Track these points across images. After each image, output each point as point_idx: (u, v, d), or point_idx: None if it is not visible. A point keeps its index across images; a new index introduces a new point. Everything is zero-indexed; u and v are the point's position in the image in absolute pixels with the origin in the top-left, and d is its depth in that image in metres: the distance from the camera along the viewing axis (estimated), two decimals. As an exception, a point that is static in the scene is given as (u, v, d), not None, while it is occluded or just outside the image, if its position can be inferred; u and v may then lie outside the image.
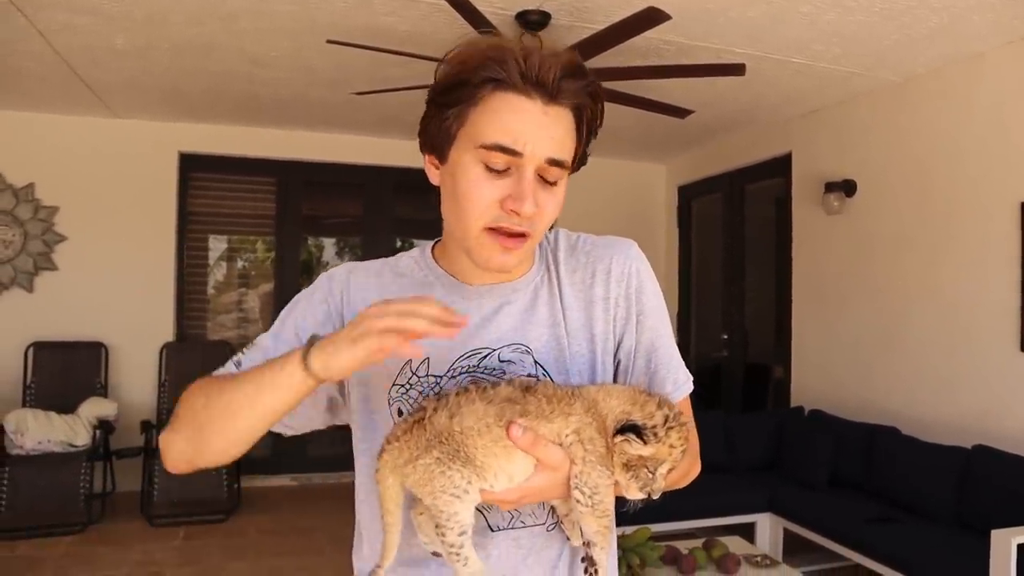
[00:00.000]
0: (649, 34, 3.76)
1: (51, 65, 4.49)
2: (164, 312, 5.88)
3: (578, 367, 1.07)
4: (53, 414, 5.02)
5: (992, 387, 3.91)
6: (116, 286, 5.70)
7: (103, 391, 5.51)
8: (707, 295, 6.74)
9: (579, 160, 1.06)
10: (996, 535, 2.99)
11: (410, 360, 1.02)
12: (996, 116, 3.91)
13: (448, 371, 1.03)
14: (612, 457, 0.93)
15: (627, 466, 0.92)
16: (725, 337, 6.33)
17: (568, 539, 1.04)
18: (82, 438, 4.99)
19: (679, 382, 1.12)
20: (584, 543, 0.96)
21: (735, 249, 6.24)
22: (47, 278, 5.58)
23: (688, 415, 1.08)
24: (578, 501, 0.91)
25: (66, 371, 5.44)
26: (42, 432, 4.91)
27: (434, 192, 1.07)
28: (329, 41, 3.53)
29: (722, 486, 4.49)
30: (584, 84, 0.99)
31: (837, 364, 5.03)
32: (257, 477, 5.98)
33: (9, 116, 5.48)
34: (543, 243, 1.16)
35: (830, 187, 4.88)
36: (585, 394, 0.95)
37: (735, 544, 3.55)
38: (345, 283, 1.10)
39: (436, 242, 1.15)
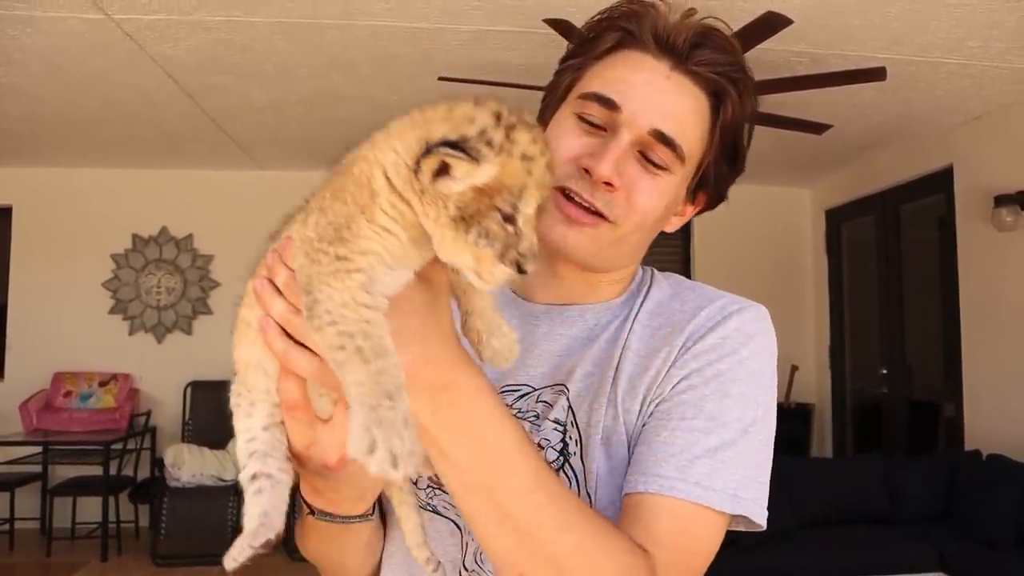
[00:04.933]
0: (778, 46, 3.52)
1: (201, 125, 4.87)
2: (307, 352, 6.15)
3: (603, 419, 0.83)
4: (206, 449, 5.34)
5: None
6: (264, 328, 6.03)
7: (251, 428, 5.81)
8: (863, 327, 6.17)
9: (712, 177, 0.88)
10: None
11: None
12: None
13: None
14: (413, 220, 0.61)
15: (463, 221, 0.60)
16: (884, 372, 5.74)
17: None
18: (231, 473, 5.26)
19: (664, 475, 0.75)
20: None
21: (892, 275, 5.68)
22: (203, 321, 6.02)
23: (694, 544, 0.76)
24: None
25: (219, 409, 5.72)
26: (196, 466, 5.23)
27: None
28: (440, 79, 3.57)
29: (883, 540, 4.00)
30: (725, 61, 0.84)
31: (1021, 401, 4.38)
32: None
33: (171, 174, 6.01)
34: (644, 276, 0.95)
35: (1001, 200, 4.33)
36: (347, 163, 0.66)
37: (898, 608, 3.12)
38: None
39: None
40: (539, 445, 0.83)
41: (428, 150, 0.59)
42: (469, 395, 0.67)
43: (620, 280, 0.92)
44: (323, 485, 0.76)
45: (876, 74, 3.23)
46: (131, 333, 5.98)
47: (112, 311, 5.97)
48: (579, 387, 0.86)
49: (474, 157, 0.58)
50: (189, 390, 5.83)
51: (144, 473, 5.62)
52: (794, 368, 6.24)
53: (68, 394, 5.70)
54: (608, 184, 0.81)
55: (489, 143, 0.59)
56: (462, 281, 0.69)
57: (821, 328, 6.53)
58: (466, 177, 0.58)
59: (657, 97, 0.82)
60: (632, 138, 0.82)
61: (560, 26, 2.97)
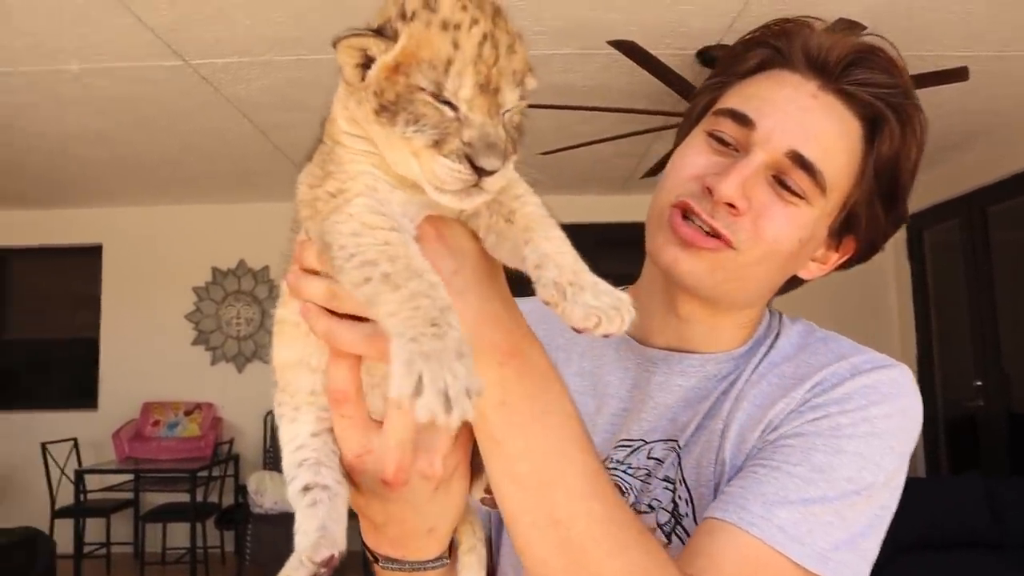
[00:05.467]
0: (847, 51, 3.41)
1: (275, 160, 5.03)
2: (380, 377, 6.25)
3: (712, 477, 0.75)
4: (287, 475, 5.45)
5: None
6: (339, 355, 6.17)
7: (329, 453, 5.92)
8: (953, 336, 5.87)
9: (863, 219, 0.77)
10: None
11: None
12: None
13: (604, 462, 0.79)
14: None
15: (387, 111, 0.52)
16: (979, 384, 5.44)
17: None
18: (311, 498, 5.36)
19: (749, 509, 0.67)
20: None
21: (982, 280, 5.39)
22: (281, 350, 6.18)
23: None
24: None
25: (298, 435, 5.92)
26: (278, 492, 5.34)
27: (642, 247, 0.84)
28: (505, 105, 3.59)
29: (988, 567, 3.77)
30: (886, 83, 0.74)
31: None
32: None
33: (247, 208, 6.22)
34: (771, 321, 0.85)
35: (1101, 199, 4.07)
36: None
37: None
38: None
39: (625, 287, 0.93)
40: (649, 506, 0.77)
41: (335, 43, 0.52)
42: (539, 369, 0.58)
43: (745, 324, 0.83)
44: (383, 514, 0.65)
45: (958, 74, 3.09)
46: (213, 363, 6.19)
47: (195, 342, 6.20)
48: (689, 442, 0.79)
49: (380, 32, 0.51)
50: (270, 418, 5.98)
51: (229, 500, 5.78)
52: (879, 381, 5.99)
53: (156, 423, 5.92)
54: (731, 206, 0.73)
55: (403, 15, 0.52)
56: (500, 224, 0.57)
57: (907, 339, 6.25)
58: (378, 57, 0.52)
59: (798, 116, 0.73)
60: (765, 159, 0.73)
61: (624, 47, 2.95)
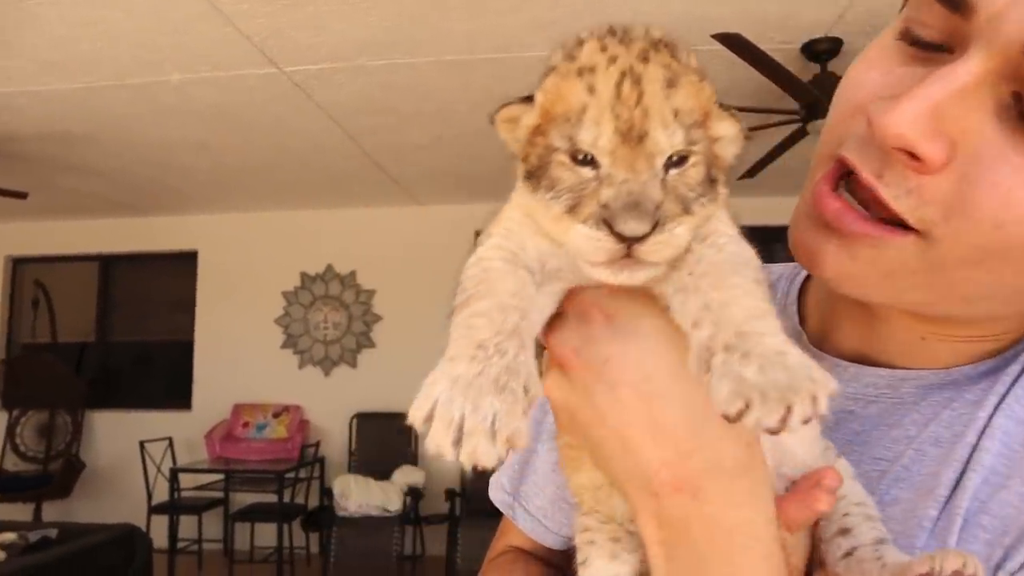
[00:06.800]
0: None
1: (363, 165, 5.06)
2: (464, 384, 6.21)
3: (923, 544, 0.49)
4: (371, 480, 5.48)
5: None
6: (426, 360, 6.13)
7: (414, 460, 5.91)
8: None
9: None
10: None
11: None
12: None
13: None
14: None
15: (532, 178, 0.45)
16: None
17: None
18: (394, 503, 5.36)
19: None
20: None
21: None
22: (367, 355, 6.23)
23: None
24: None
25: (383, 440, 5.95)
26: (362, 496, 5.37)
27: None
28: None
29: None
30: None
31: None
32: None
33: (335, 214, 6.31)
34: None
35: None
36: None
37: None
38: None
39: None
40: None
41: (491, 121, 0.48)
42: (713, 517, 0.43)
43: (990, 337, 0.51)
44: None
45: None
46: (300, 367, 6.29)
47: (284, 346, 6.31)
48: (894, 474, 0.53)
49: (531, 96, 0.46)
50: (355, 422, 6.03)
51: (314, 501, 5.85)
52: None
53: (246, 425, 6.06)
54: (911, 155, 0.41)
55: (547, 71, 0.46)
56: (684, 278, 0.44)
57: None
58: (523, 121, 0.47)
59: None
60: (989, 65, 0.40)
61: (730, 40, 2.79)
